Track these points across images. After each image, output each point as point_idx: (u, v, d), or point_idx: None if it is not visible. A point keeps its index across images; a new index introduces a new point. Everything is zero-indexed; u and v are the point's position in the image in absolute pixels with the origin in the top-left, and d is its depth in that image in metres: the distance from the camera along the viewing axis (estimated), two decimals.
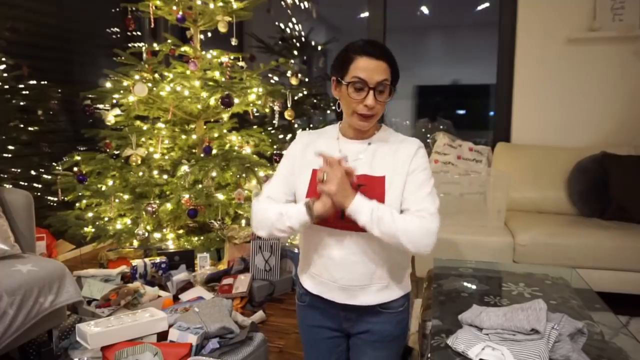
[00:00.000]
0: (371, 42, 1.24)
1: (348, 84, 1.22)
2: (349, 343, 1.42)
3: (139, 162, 3.16)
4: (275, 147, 3.73)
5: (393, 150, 1.28)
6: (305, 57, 4.87)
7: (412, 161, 1.26)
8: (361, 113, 1.23)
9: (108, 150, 3.30)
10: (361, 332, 1.36)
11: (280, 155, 3.64)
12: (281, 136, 4.28)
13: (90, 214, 3.19)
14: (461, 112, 5.61)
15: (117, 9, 3.91)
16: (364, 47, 1.21)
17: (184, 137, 3.44)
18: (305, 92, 4.55)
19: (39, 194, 3.30)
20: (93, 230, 3.14)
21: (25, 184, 3.27)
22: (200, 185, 3.15)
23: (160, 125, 3.43)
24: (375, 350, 1.35)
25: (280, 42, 4.81)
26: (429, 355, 1.38)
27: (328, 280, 1.30)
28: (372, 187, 1.24)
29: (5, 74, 3.11)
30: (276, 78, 4.63)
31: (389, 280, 1.30)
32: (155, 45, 3.36)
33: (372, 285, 1.28)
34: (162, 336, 1.93)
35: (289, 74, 3.79)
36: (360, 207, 1.17)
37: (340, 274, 1.27)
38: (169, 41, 3.34)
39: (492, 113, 4.71)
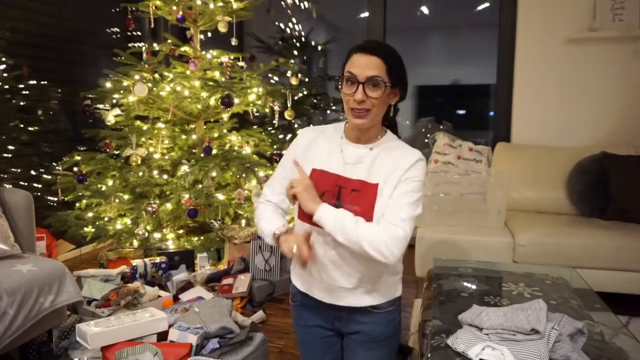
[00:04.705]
0: (371, 40, 1.25)
1: (343, 79, 1.23)
2: (343, 343, 1.42)
3: (139, 162, 3.16)
4: (275, 147, 3.73)
5: (393, 160, 1.26)
6: (305, 57, 4.86)
7: (407, 171, 1.24)
8: (352, 107, 1.22)
9: (108, 150, 3.30)
10: (353, 333, 1.36)
11: (280, 156, 3.66)
12: (281, 136, 4.28)
13: (90, 214, 3.19)
14: (461, 112, 5.62)
15: (117, 9, 3.91)
16: (360, 44, 1.22)
17: (184, 137, 3.44)
18: (305, 92, 4.55)
19: (39, 194, 3.30)
20: (93, 230, 3.14)
21: (25, 184, 3.27)
22: (200, 185, 3.15)
23: (160, 125, 3.42)
24: (368, 350, 1.36)
25: (280, 42, 4.81)
26: (429, 355, 1.38)
27: (316, 280, 1.31)
28: (365, 194, 1.23)
29: (5, 74, 3.11)
30: (276, 78, 4.62)
31: (376, 285, 1.30)
32: (155, 45, 3.36)
33: (359, 288, 1.29)
34: (162, 336, 1.93)
35: (289, 74, 3.79)
36: (325, 214, 1.20)
37: (328, 275, 1.28)
38: (169, 41, 3.34)
39: (492, 113, 4.71)
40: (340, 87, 1.25)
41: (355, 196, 1.23)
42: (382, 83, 1.19)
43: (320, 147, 1.33)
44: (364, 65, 1.19)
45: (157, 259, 2.86)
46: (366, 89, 1.19)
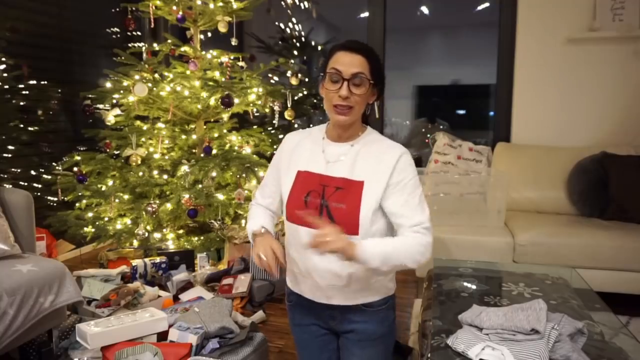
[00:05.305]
0: (353, 40, 1.28)
1: (326, 75, 1.25)
2: (339, 343, 1.43)
3: (139, 162, 3.16)
4: (275, 147, 3.73)
5: (376, 155, 1.27)
6: (305, 57, 4.87)
7: (395, 170, 1.24)
8: (336, 104, 1.24)
9: (108, 150, 3.30)
10: (347, 332, 1.37)
11: None
12: (281, 136, 4.27)
13: (90, 214, 3.19)
14: (461, 112, 5.61)
15: (117, 9, 3.91)
16: (344, 43, 1.26)
17: (184, 137, 3.44)
18: (305, 92, 4.55)
19: (39, 194, 3.30)
20: (93, 230, 3.13)
21: (25, 184, 3.26)
22: (200, 185, 3.15)
23: (160, 125, 3.42)
24: (363, 349, 1.37)
25: (280, 42, 4.81)
26: (429, 355, 1.38)
27: (307, 279, 1.32)
28: (349, 192, 1.24)
29: (5, 74, 3.11)
30: (276, 78, 4.63)
31: (368, 283, 1.31)
32: (155, 45, 3.36)
33: (350, 286, 1.29)
34: (162, 336, 1.93)
35: (289, 74, 3.79)
36: (369, 257, 1.17)
37: (318, 273, 1.29)
38: (169, 41, 3.34)
39: (492, 113, 4.71)
40: (323, 84, 1.27)
41: (340, 195, 1.24)
42: (365, 80, 1.23)
43: (303, 149, 1.35)
44: (349, 63, 1.22)
45: (157, 259, 2.86)
46: (350, 85, 1.22)
